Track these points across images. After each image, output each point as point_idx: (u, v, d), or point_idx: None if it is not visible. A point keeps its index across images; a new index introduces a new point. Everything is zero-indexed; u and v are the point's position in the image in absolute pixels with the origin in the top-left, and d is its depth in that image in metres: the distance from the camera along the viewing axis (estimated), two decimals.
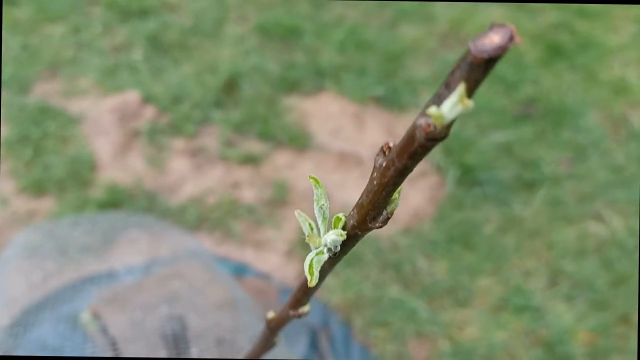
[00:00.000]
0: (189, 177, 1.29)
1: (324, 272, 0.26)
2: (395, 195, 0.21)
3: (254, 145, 1.37)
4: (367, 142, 1.43)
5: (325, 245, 0.23)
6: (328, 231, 0.23)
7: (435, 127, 0.17)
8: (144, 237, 0.94)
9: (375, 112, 1.50)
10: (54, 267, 0.83)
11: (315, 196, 0.23)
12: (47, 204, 1.20)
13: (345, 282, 1.18)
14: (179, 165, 1.31)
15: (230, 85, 1.48)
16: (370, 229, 0.22)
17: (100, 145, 1.30)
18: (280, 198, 1.28)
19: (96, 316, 0.51)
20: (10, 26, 1.50)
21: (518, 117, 1.46)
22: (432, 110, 0.16)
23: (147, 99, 1.41)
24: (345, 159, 1.39)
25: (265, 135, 1.38)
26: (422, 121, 0.17)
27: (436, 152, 1.38)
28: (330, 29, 1.67)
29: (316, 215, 0.23)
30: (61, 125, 1.33)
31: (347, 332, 1.12)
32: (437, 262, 1.23)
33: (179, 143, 1.35)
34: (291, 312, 0.30)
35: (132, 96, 1.40)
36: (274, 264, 1.18)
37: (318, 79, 1.54)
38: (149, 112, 1.39)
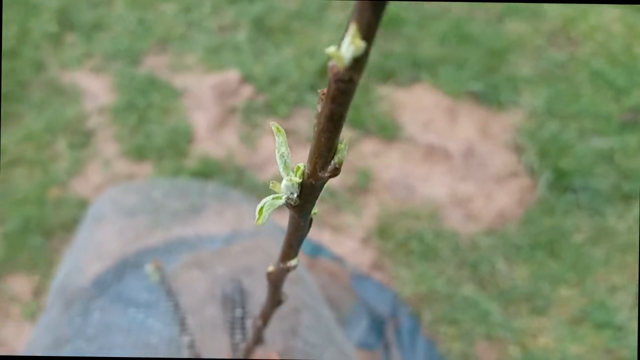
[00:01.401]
0: None
1: (298, 224, 0.27)
2: (341, 146, 0.22)
3: (342, 131, 1.39)
4: (459, 138, 1.40)
5: (284, 193, 0.24)
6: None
7: (339, 69, 0.17)
8: (229, 209, 0.99)
9: (470, 107, 1.46)
10: (145, 227, 0.88)
11: (276, 144, 0.23)
12: (145, 169, 1.29)
13: (419, 275, 1.17)
14: (269, 144, 1.36)
15: (327, 70, 1.50)
16: (321, 179, 0.23)
17: (199, 118, 1.38)
18: (362, 185, 1.29)
19: (158, 269, 0.55)
20: (130, 1, 1.60)
21: (625, 124, 1.37)
22: (330, 49, 0.17)
23: (246, 79, 1.46)
24: (434, 153, 1.38)
25: (355, 122, 1.40)
26: (331, 63, 0.18)
27: (530, 153, 1.34)
28: (433, 20, 1.64)
29: (278, 163, 0.24)
30: (165, 97, 1.42)
31: (415, 324, 1.11)
32: (518, 266, 1.20)
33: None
34: (281, 265, 0.31)
35: (232, 75, 1.46)
36: (350, 249, 1.20)
37: (414, 70, 1.53)
38: (247, 91, 1.45)
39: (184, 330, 0.52)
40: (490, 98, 1.47)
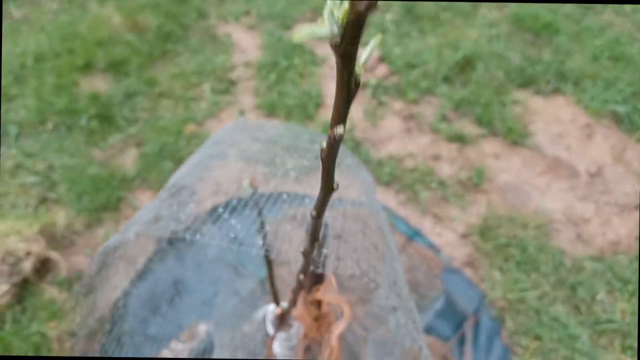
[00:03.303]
0: (396, 137, 1.36)
1: (342, 75, 0.27)
2: None
3: (467, 127, 1.38)
4: (589, 157, 1.34)
5: (327, 26, 0.25)
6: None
7: None
8: (340, 175, 1.03)
9: (609, 129, 1.39)
10: (262, 175, 0.95)
11: None
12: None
13: (512, 282, 1.15)
14: (391, 124, 1.38)
15: (465, 65, 1.49)
16: (359, 14, 0.23)
17: (330, 87, 1.43)
18: (475, 183, 1.28)
19: (252, 186, 0.61)
20: None
21: None
22: None
23: (384, 58, 1.50)
24: (558, 167, 1.33)
25: (482, 121, 1.38)
26: None
27: None
28: (590, 34, 1.57)
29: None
30: (305, 63, 1.49)
31: (496, 328, 1.10)
32: (620, 300, 1.14)
33: (398, 104, 1.42)
34: (329, 132, 0.32)
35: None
36: (448, 241, 1.20)
37: (558, 80, 1.48)
38: (382, 69, 1.48)
39: (260, 235, 0.57)
40: (633, 123, 1.38)
